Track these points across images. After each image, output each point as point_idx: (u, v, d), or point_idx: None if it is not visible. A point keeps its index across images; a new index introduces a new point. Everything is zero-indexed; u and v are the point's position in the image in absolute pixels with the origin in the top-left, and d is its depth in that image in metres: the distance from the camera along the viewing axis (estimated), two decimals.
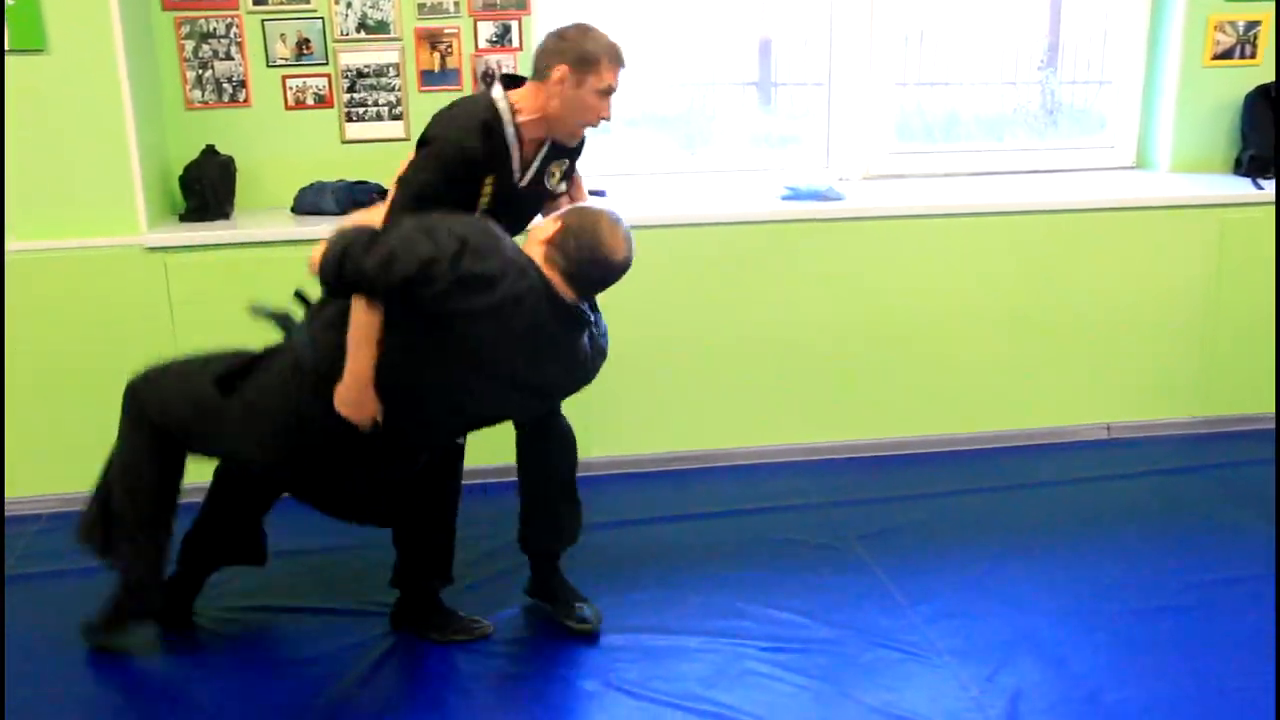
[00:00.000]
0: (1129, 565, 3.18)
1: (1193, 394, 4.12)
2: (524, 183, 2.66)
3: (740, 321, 3.81)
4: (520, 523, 2.92)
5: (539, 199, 2.77)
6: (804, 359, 3.86)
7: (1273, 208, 3.93)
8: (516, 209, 2.72)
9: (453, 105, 2.64)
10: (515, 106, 2.59)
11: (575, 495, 2.90)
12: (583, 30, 2.57)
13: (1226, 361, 4.09)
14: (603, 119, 2.61)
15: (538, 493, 2.87)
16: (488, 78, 3.77)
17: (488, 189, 2.60)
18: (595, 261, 2.40)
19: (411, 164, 2.59)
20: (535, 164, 2.67)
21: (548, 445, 2.83)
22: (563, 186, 2.80)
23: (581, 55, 2.53)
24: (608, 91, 2.57)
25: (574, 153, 2.79)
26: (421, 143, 2.60)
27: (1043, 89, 4.56)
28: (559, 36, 2.57)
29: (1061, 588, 3.07)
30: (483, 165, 2.57)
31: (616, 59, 2.57)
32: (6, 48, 3.26)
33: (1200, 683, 2.63)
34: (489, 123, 2.56)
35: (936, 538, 3.37)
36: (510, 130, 2.58)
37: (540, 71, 2.57)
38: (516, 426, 2.82)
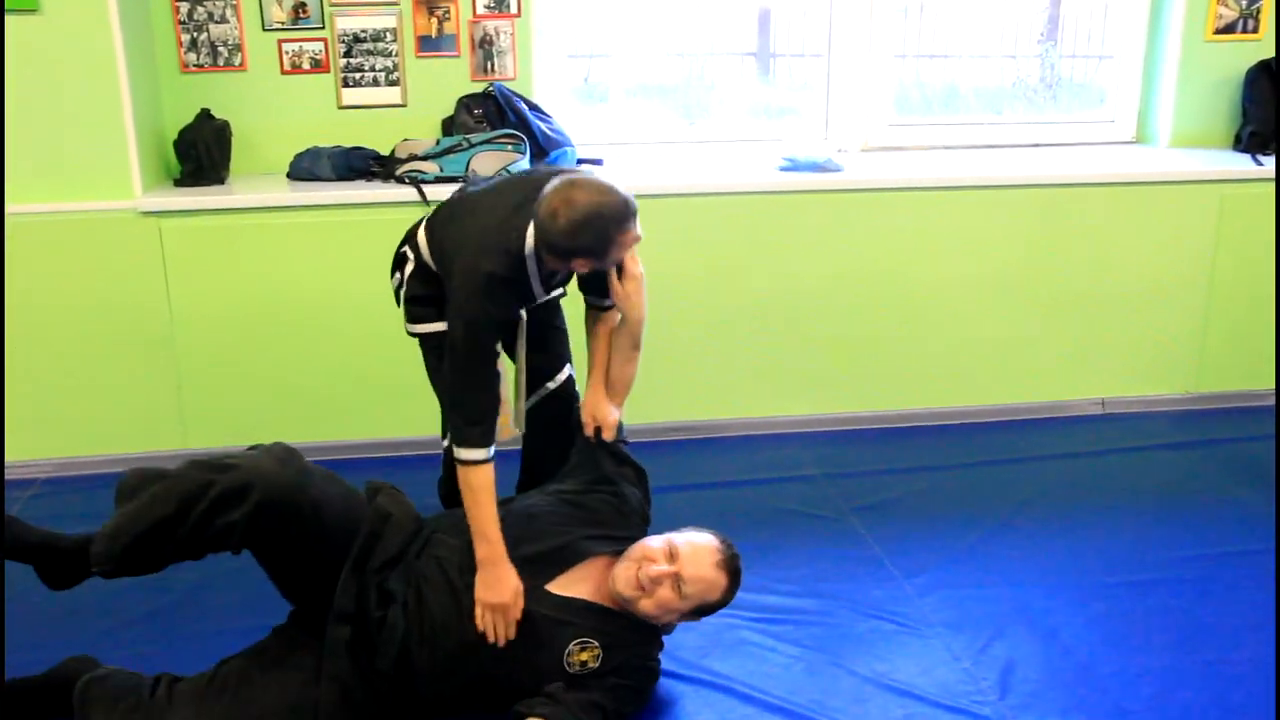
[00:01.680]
0: (1122, 539, 3.20)
1: (1189, 370, 4.13)
2: (540, 299, 2.63)
3: (736, 293, 3.80)
4: (521, 490, 2.92)
5: (550, 302, 2.76)
6: (801, 331, 3.86)
7: (1273, 184, 3.92)
8: (535, 311, 2.70)
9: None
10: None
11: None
12: (589, 219, 2.23)
13: (1223, 338, 4.09)
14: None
15: (540, 462, 2.88)
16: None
17: None
18: None
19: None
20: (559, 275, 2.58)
21: (554, 422, 2.82)
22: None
23: (597, 248, 2.28)
24: (634, 240, 2.35)
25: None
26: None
27: (1042, 62, 4.54)
28: (567, 234, 2.24)
29: (1054, 561, 3.08)
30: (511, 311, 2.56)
31: (634, 222, 2.32)
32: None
33: (1192, 656, 2.64)
34: (516, 260, 2.40)
35: (931, 510, 3.38)
36: (533, 265, 2.42)
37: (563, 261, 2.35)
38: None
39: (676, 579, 2.34)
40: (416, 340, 2.74)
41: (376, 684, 2.27)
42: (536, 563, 2.38)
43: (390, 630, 2.27)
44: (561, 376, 2.86)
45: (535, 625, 2.33)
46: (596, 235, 2.25)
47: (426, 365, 2.74)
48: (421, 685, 2.31)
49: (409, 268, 2.67)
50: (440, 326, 2.61)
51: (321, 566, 2.25)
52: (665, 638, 2.52)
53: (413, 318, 2.71)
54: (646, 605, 2.35)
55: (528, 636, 2.32)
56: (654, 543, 2.41)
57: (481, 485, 2.34)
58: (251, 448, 2.26)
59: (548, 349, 2.82)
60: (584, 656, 2.34)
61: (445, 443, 2.78)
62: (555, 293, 2.76)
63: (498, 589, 2.29)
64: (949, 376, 4.00)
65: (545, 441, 2.86)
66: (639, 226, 2.35)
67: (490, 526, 2.31)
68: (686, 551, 2.38)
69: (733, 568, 2.42)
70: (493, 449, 2.37)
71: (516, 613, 2.30)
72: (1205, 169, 3.97)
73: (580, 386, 2.87)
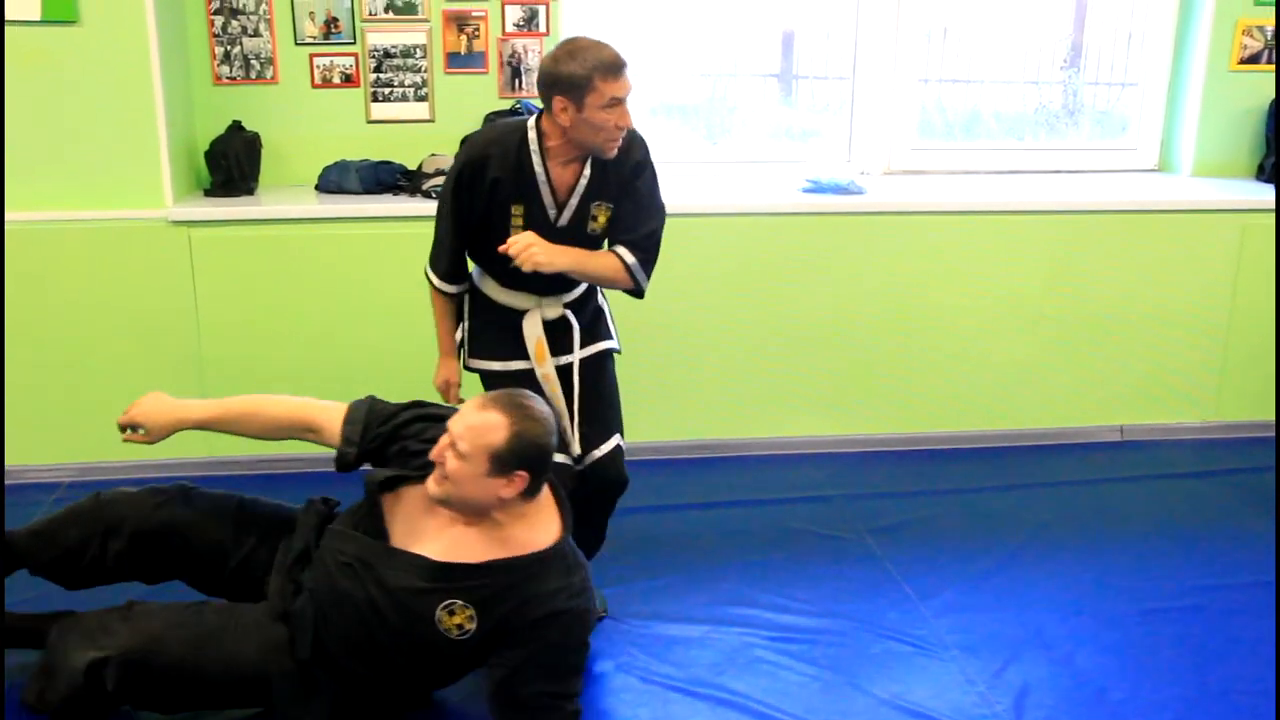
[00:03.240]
0: (1139, 566, 3.20)
1: (1208, 398, 4.12)
2: (562, 222, 2.60)
3: (757, 313, 3.82)
4: None
5: (579, 242, 2.61)
6: (821, 352, 3.88)
7: None
8: None
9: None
10: (544, 132, 2.53)
11: (604, 533, 2.91)
12: (568, 52, 2.41)
13: (1244, 367, 4.09)
14: (622, 127, 2.46)
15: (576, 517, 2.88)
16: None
17: (518, 220, 2.56)
18: None
19: None
20: (573, 202, 2.58)
21: (599, 491, 2.77)
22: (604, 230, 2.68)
23: (571, 82, 2.39)
24: (613, 103, 2.42)
25: (619, 196, 2.62)
26: None
27: (1065, 89, 4.55)
28: (548, 65, 2.44)
29: (1071, 587, 3.08)
30: (503, 183, 2.53)
31: (609, 69, 2.40)
32: (40, 18, 3.28)
33: (1207, 684, 2.64)
34: (514, 143, 2.53)
35: (948, 533, 3.39)
36: (537, 157, 2.53)
37: (546, 104, 2.48)
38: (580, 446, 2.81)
39: (451, 445, 2.19)
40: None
41: (312, 673, 2.33)
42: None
43: (302, 618, 2.33)
44: (606, 447, 2.76)
45: (396, 598, 2.26)
46: (581, 65, 2.39)
47: None
48: (344, 665, 2.33)
49: None
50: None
51: (207, 575, 2.55)
52: (677, 653, 2.51)
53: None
54: (444, 489, 2.22)
55: (394, 610, 2.26)
56: None
57: (439, 303, 2.77)
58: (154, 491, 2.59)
59: (593, 413, 2.76)
60: (457, 620, 2.24)
61: None
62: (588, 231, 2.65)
63: (438, 372, 2.81)
64: (968, 400, 4.00)
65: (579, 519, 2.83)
66: (628, 81, 2.44)
67: (442, 336, 2.79)
68: (454, 418, 2.25)
69: (506, 402, 2.21)
70: (450, 287, 2.73)
71: (452, 394, 2.79)
72: (1227, 198, 3.98)
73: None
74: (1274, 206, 3.94)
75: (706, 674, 2.65)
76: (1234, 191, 4.05)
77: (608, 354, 2.84)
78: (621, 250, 2.62)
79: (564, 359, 2.74)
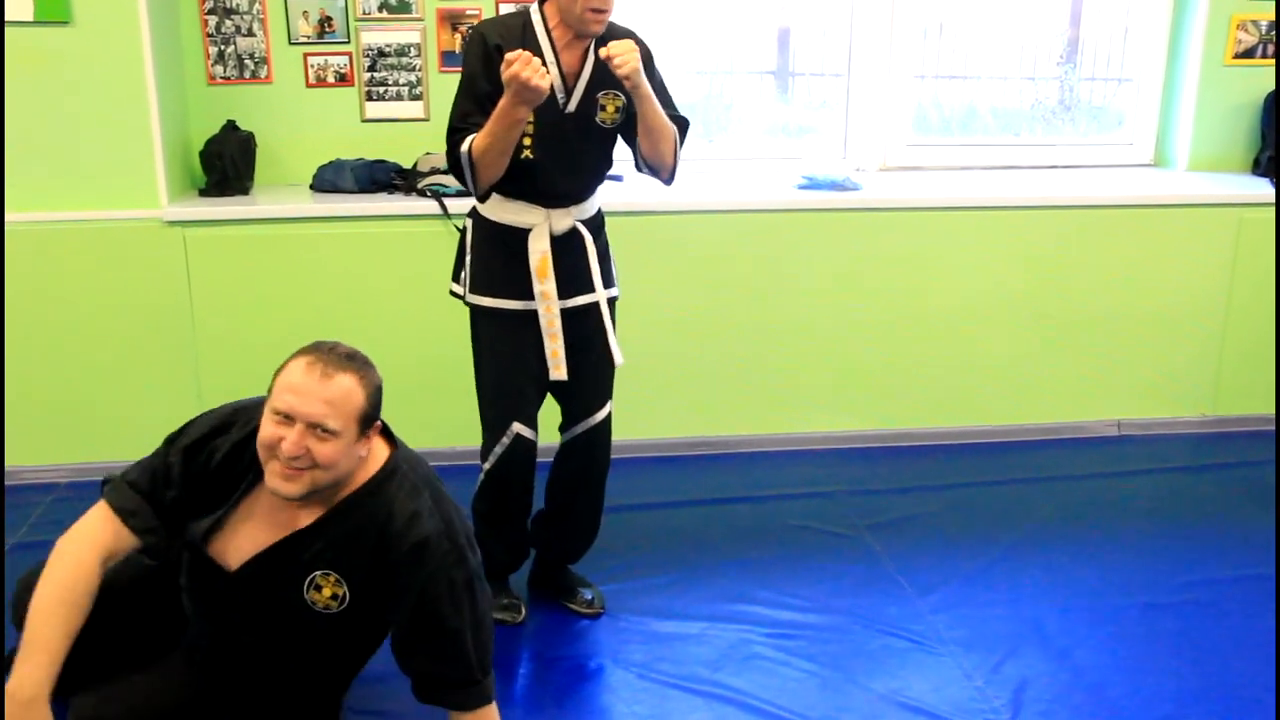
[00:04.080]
0: (1137, 561, 3.20)
1: (1205, 393, 4.13)
2: (570, 108, 2.58)
3: (754, 309, 3.82)
4: (538, 523, 2.95)
5: (589, 135, 2.62)
6: (818, 348, 3.88)
7: None
8: (569, 144, 2.60)
9: None
10: (546, 15, 2.56)
11: (600, 514, 2.92)
12: None
13: (1240, 361, 4.09)
14: (593, 6, 2.45)
15: (568, 505, 2.89)
16: None
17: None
18: None
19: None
20: (579, 88, 2.57)
21: (591, 460, 2.82)
22: (618, 120, 2.64)
23: None
24: None
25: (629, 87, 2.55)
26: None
27: (1061, 85, 4.55)
28: None
29: (1068, 581, 3.08)
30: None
31: None
32: (32, 19, 3.28)
33: (1205, 679, 2.64)
34: (518, 26, 2.55)
35: (945, 529, 3.39)
36: (544, 37, 2.54)
37: None
38: (563, 429, 2.82)
39: (312, 429, 1.97)
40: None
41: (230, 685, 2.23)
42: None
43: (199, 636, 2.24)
44: (602, 414, 2.80)
45: (265, 604, 2.13)
46: None
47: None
48: (251, 671, 2.22)
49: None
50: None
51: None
52: (675, 649, 2.51)
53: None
54: (308, 480, 1.99)
55: (271, 616, 2.14)
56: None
57: (487, 129, 2.47)
58: None
59: (587, 377, 2.75)
60: (328, 592, 2.09)
61: (484, 466, 2.77)
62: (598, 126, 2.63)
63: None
64: (965, 395, 4.00)
65: (570, 493, 2.87)
66: None
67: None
68: (292, 404, 1.99)
69: (336, 362, 2.02)
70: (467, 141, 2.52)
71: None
72: (1223, 193, 3.98)
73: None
74: (1272, 200, 3.94)
75: (704, 670, 2.65)
76: (1230, 186, 4.05)
77: (612, 304, 2.80)
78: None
79: (585, 298, 2.69)
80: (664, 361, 3.79)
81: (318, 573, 2.08)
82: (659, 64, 2.69)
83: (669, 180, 2.73)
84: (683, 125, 2.71)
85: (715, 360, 3.84)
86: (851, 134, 4.26)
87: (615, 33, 2.60)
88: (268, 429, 1.98)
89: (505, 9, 3.78)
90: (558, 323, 2.66)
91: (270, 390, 2.03)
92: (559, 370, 2.67)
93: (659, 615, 2.89)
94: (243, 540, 2.12)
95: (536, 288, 2.63)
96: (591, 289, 2.70)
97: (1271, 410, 4.10)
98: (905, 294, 3.88)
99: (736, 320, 3.82)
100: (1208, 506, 3.56)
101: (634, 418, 3.77)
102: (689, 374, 3.83)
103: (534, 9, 2.58)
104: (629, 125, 2.64)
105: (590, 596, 2.92)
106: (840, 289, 3.84)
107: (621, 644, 2.77)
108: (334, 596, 2.09)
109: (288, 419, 1.97)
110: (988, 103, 4.61)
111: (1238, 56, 4.16)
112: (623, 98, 2.60)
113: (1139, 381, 4.09)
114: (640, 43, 2.63)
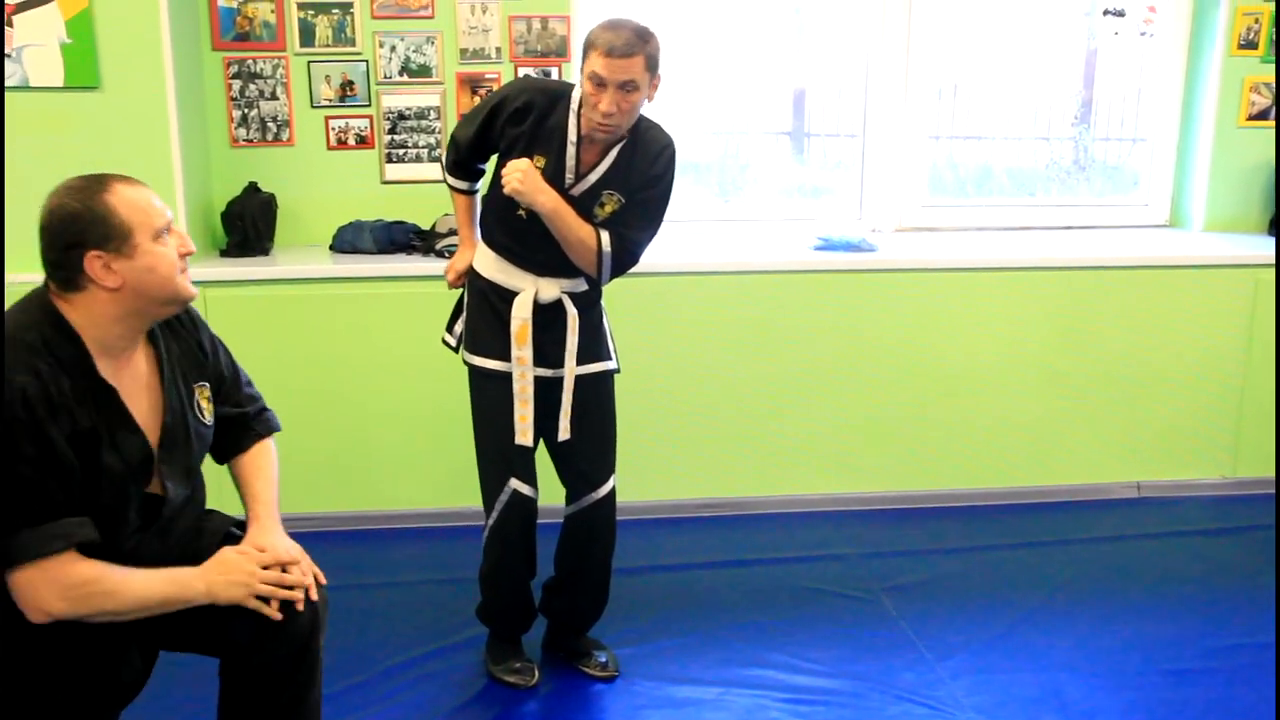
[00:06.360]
0: (1158, 626, 3.16)
1: (1225, 454, 4.09)
2: (575, 190, 2.59)
3: (771, 370, 3.82)
4: (548, 591, 2.94)
5: (585, 220, 2.61)
6: (835, 409, 3.87)
7: None
8: None
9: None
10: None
11: (608, 586, 2.91)
12: (605, 21, 2.50)
13: (1259, 422, 4.06)
14: (601, 111, 2.45)
15: (574, 578, 2.88)
16: None
17: (538, 164, 2.55)
18: None
19: None
20: (591, 179, 2.59)
21: (593, 538, 2.81)
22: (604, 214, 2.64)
23: (586, 40, 2.49)
24: (595, 79, 2.44)
25: (633, 192, 2.61)
26: None
27: (1076, 145, 4.58)
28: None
29: (1089, 646, 3.04)
30: (534, 130, 2.55)
31: (598, 43, 2.44)
32: (62, 84, 3.35)
33: None
34: (558, 96, 2.58)
35: (964, 592, 3.35)
36: (573, 119, 2.55)
37: None
38: (568, 500, 2.81)
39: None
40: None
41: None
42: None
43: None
44: (605, 489, 2.79)
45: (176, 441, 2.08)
46: (594, 29, 2.48)
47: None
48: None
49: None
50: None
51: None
52: (690, 714, 2.46)
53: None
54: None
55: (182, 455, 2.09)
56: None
57: (456, 202, 2.84)
58: None
59: (579, 445, 2.75)
60: (206, 406, 2.22)
61: (486, 524, 2.77)
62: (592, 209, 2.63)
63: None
64: (983, 457, 3.98)
65: (577, 567, 2.86)
66: (614, 67, 2.42)
67: (460, 227, 2.85)
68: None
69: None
70: (458, 182, 2.78)
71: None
72: (1239, 253, 3.98)
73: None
74: None
75: None
76: (1246, 247, 4.05)
77: (608, 376, 2.81)
78: (603, 234, 2.61)
79: (558, 371, 2.70)
80: (678, 421, 3.79)
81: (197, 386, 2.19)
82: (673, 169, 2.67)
83: (598, 281, 2.71)
84: (623, 256, 2.63)
85: (731, 420, 3.84)
86: (867, 195, 4.29)
87: (652, 135, 2.62)
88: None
89: (523, 73, 3.84)
90: (530, 389, 2.67)
91: None
92: (524, 436, 2.68)
93: (674, 680, 2.86)
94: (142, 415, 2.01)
95: (514, 352, 2.66)
96: (562, 362, 2.71)
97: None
98: (921, 355, 3.87)
99: (752, 380, 3.82)
100: (1230, 570, 3.52)
101: (648, 478, 3.77)
102: (704, 434, 3.82)
103: (577, 88, 2.58)
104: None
105: (604, 659, 2.90)
106: (856, 350, 3.84)
107: (636, 709, 2.74)
108: (209, 400, 2.23)
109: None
110: (1003, 163, 4.64)
111: (1251, 118, 4.18)
112: (622, 200, 2.62)
113: (1159, 442, 4.06)
114: (670, 160, 2.63)
